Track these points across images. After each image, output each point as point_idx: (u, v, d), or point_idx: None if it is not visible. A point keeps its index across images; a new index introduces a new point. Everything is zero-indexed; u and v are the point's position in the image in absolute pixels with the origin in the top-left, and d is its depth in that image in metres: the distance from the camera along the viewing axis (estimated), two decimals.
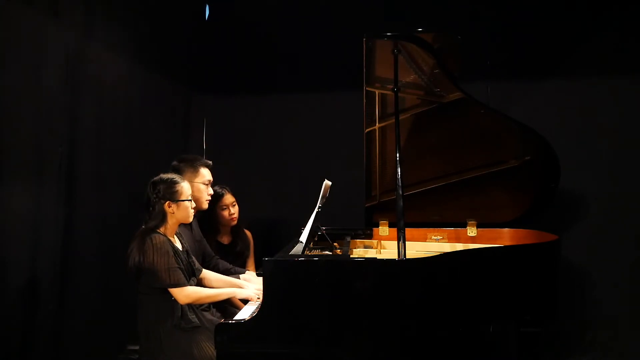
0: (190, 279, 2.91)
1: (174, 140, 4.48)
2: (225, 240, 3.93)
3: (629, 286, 4.02)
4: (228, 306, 3.38)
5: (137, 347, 2.91)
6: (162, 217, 2.84)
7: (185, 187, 2.90)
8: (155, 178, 2.89)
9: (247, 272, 3.59)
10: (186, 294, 2.76)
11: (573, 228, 4.10)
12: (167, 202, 2.84)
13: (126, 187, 3.67)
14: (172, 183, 2.87)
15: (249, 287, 3.11)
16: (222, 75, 4.66)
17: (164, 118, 4.36)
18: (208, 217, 3.72)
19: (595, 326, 4.09)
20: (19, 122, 2.94)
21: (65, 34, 3.23)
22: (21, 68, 2.95)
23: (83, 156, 3.36)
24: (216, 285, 3.11)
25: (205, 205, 3.38)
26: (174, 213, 2.86)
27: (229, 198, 3.85)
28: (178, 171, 3.26)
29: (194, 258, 3.04)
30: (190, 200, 2.92)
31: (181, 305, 2.79)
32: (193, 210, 2.96)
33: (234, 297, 3.00)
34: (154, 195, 2.83)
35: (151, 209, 2.84)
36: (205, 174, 3.35)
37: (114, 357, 3.22)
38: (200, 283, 3.03)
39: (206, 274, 3.14)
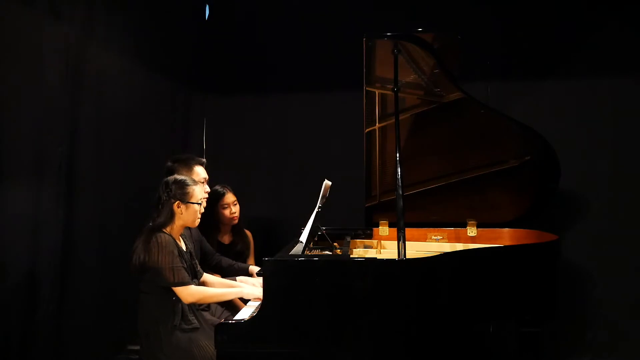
0: (192, 281, 2.91)
1: (174, 140, 4.47)
2: (226, 239, 3.93)
3: (629, 286, 4.03)
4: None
5: (137, 347, 2.91)
6: (170, 217, 2.85)
7: (196, 191, 2.91)
8: (169, 177, 2.91)
9: (250, 266, 3.60)
10: (190, 292, 2.77)
11: (573, 228, 4.10)
12: (177, 202, 2.85)
13: (126, 187, 3.67)
14: (184, 184, 2.89)
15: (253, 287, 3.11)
16: (222, 75, 4.66)
17: (164, 118, 4.36)
18: (209, 216, 3.72)
19: (595, 326, 4.10)
20: (19, 122, 2.94)
21: (65, 34, 3.22)
22: (21, 68, 2.95)
23: (83, 156, 3.36)
24: (218, 287, 3.12)
25: (203, 204, 3.38)
26: (182, 214, 2.87)
27: (230, 197, 3.86)
28: (172, 171, 3.25)
29: (196, 260, 3.04)
30: (200, 204, 2.92)
31: (182, 305, 2.79)
32: (200, 215, 2.96)
33: (240, 296, 2.99)
34: (165, 194, 2.85)
35: (160, 207, 2.85)
36: (200, 172, 3.35)
37: (114, 357, 3.22)
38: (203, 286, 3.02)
39: (207, 277, 3.13)
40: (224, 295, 2.92)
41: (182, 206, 2.86)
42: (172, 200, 2.84)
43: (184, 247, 2.93)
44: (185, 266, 2.84)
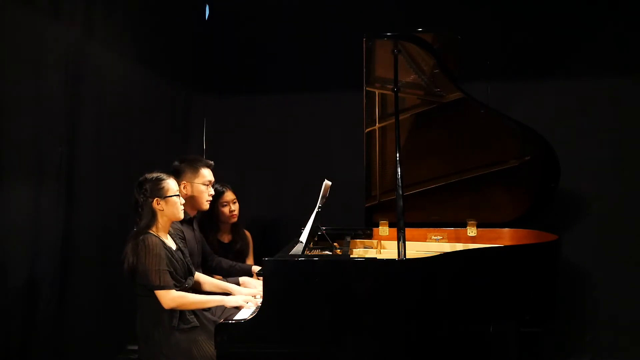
0: (187, 279, 2.91)
1: (174, 140, 4.48)
2: (226, 238, 3.94)
3: (629, 286, 4.02)
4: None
5: (137, 347, 2.90)
6: (152, 216, 2.83)
7: (171, 184, 2.90)
8: (140, 178, 2.88)
9: (252, 266, 3.60)
10: (171, 297, 2.74)
11: (573, 228, 4.09)
12: (155, 200, 2.83)
13: (126, 187, 3.63)
14: (158, 180, 2.87)
15: (240, 292, 3.11)
16: (222, 75, 4.66)
17: (164, 118, 4.36)
18: (208, 215, 3.73)
19: (595, 326, 4.09)
20: (19, 122, 2.94)
21: (66, 34, 3.23)
22: (21, 68, 2.95)
23: (83, 156, 3.36)
24: (208, 289, 3.13)
25: (206, 206, 3.38)
26: (163, 210, 2.85)
27: (229, 195, 3.87)
28: (178, 171, 3.27)
29: (190, 258, 3.04)
30: (178, 195, 2.91)
31: None
32: (182, 207, 2.94)
33: (222, 304, 2.98)
34: (142, 195, 2.83)
35: (140, 209, 2.84)
36: (206, 174, 3.34)
37: (114, 357, 3.22)
38: (193, 286, 3.02)
39: (199, 277, 3.14)
40: (205, 302, 2.88)
41: (162, 202, 2.85)
42: (150, 199, 2.83)
43: (173, 246, 2.92)
44: (177, 265, 2.84)
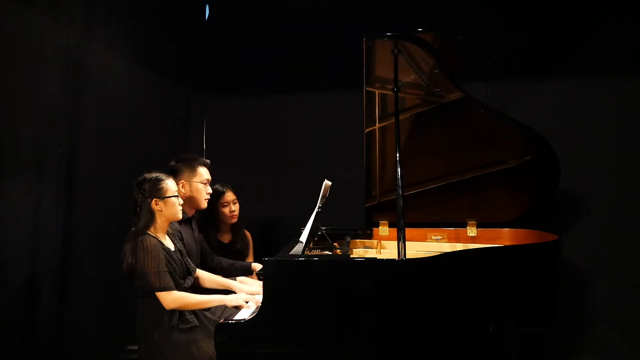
0: (185, 279, 2.91)
1: (174, 140, 4.48)
2: (226, 238, 3.93)
3: (629, 286, 4.02)
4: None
5: (137, 347, 2.90)
6: (151, 216, 2.83)
7: (170, 184, 2.90)
8: (139, 178, 2.88)
9: (252, 263, 3.60)
10: (172, 298, 2.74)
11: (573, 228, 4.10)
12: (154, 200, 2.83)
13: (126, 187, 3.64)
14: (157, 181, 2.86)
15: (241, 289, 3.11)
16: (222, 75, 4.67)
17: (164, 118, 4.36)
18: (209, 215, 3.73)
19: (595, 326, 4.10)
20: (19, 122, 2.94)
21: (65, 34, 3.23)
22: (21, 68, 2.95)
23: (83, 156, 3.36)
24: (209, 285, 3.14)
25: (205, 205, 3.38)
26: (161, 211, 2.86)
27: (230, 195, 3.87)
28: (176, 171, 3.27)
29: (188, 258, 3.04)
30: (177, 196, 2.91)
31: None
32: (181, 207, 2.95)
33: (223, 304, 2.97)
34: (140, 195, 2.83)
35: (139, 209, 2.84)
36: (204, 173, 3.35)
37: (114, 357, 3.22)
38: (194, 282, 3.03)
39: (200, 273, 3.15)
40: (206, 302, 2.87)
41: (160, 202, 2.85)
42: (149, 200, 2.83)
43: (172, 247, 2.92)
44: (175, 266, 2.84)
